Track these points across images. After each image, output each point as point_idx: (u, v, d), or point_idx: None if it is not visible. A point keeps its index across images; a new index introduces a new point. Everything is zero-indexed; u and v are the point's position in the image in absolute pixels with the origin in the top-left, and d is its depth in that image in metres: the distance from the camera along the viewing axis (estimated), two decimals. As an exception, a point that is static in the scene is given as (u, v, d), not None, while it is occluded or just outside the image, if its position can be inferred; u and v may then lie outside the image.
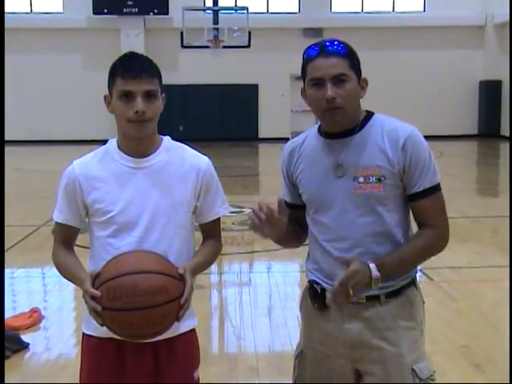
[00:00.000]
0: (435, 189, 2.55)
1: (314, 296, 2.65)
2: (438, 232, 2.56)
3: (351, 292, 2.37)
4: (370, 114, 2.62)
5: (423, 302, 2.72)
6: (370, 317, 2.58)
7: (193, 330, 2.78)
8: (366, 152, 2.53)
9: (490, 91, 25.97)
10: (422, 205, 2.55)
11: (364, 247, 2.55)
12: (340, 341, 2.62)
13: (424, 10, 26.51)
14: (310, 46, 2.55)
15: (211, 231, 2.82)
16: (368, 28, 25.44)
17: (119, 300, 2.36)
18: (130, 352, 2.65)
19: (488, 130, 25.92)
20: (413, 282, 2.66)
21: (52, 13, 25.56)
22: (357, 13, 26.32)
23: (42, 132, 25.49)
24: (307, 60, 2.53)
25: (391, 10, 26.57)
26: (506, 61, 24.94)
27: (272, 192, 13.78)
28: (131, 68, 2.54)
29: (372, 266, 2.42)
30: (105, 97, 2.63)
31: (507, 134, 22.67)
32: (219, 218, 2.82)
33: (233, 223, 9.74)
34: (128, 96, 2.53)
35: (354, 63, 2.53)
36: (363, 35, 25.07)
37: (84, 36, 25.48)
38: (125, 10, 24.96)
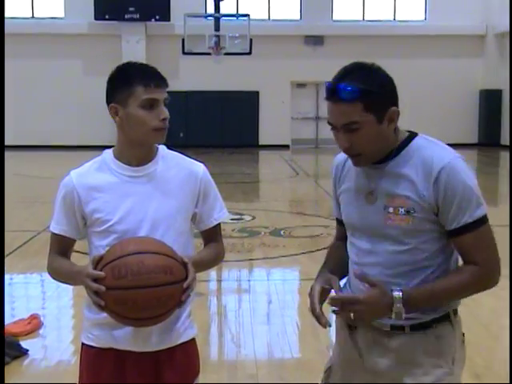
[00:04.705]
0: (478, 223, 2.33)
1: None
2: (480, 270, 2.35)
3: (352, 316, 2.31)
4: (411, 137, 2.43)
5: (462, 340, 2.56)
6: (392, 347, 2.45)
7: (193, 340, 2.77)
8: (398, 181, 2.37)
9: (490, 100, 26.03)
10: (463, 241, 2.35)
11: (392, 276, 2.41)
12: (361, 367, 2.53)
13: (425, 19, 26.59)
14: (327, 82, 2.35)
15: (212, 237, 2.82)
16: (369, 36, 25.50)
17: (124, 278, 2.34)
18: (130, 362, 2.64)
19: (488, 139, 25.96)
20: (447, 317, 2.47)
21: (53, 18, 25.62)
22: (358, 21, 26.39)
23: (41, 137, 25.51)
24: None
25: (392, 18, 26.63)
26: (506, 70, 24.99)
27: (272, 199, 13.85)
28: (153, 76, 2.56)
29: (396, 295, 2.30)
30: (111, 107, 2.59)
31: (507, 143, 22.68)
32: (220, 224, 2.82)
33: (232, 230, 9.74)
34: (152, 105, 2.54)
35: (372, 102, 2.29)
36: (364, 43, 25.16)
37: (85, 41, 25.53)
38: (126, 16, 25.02)
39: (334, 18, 26.35)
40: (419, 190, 2.31)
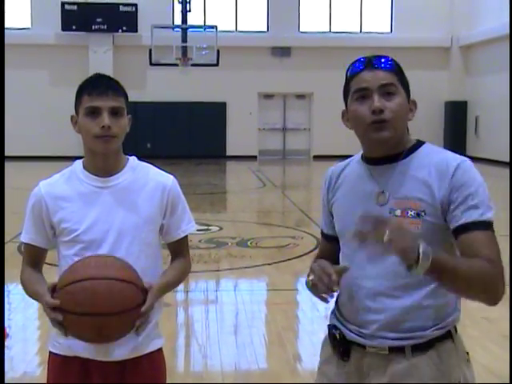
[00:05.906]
0: (486, 225, 2.14)
1: (333, 343, 2.34)
2: (491, 267, 2.09)
3: (386, 237, 1.96)
4: (419, 144, 2.37)
5: (467, 359, 2.30)
6: (393, 373, 2.22)
7: (159, 350, 2.78)
8: (408, 183, 2.24)
9: (455, 112, 26.34)
10: (471, 237, 2.12)
11: (392, 289, 2.22)
12: None
13: (391, 31, 26.83)
14: (354, 61, 2.32)
15: (179, 249, 2.82)
16: (335, 48, 25.65)
17: (82, 306, 2.36)
18: (95, 371, 2.65)
19: (453, 151, 26.04)
20: (449, 335, 2.26)
21: (20, 28, 25.43)
22: (325, 33, 26.55)
23: (8, 148, 25.20)
24: (351, 76, 2.30)
25: (358, 30, 26.84)
26: (470, 82, 25.42)
27: (239, 210, 13.85)
28: (98, 85, 2.59)
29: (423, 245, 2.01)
30: (71, 117, 2.66)
31: (472, 154, 22.93)
32: (187, 236, 2.83)
33: (199, 241, 9.73)
34: (94, 112, 2.56)
35: (404, 81, 2.33)
36: (330, 55, 25.37)
37: (52, 52, 25.38)
38: (93, 27, 24.93)
39: (301, 29, 26.49)
40: (434, 191, 2.19)
